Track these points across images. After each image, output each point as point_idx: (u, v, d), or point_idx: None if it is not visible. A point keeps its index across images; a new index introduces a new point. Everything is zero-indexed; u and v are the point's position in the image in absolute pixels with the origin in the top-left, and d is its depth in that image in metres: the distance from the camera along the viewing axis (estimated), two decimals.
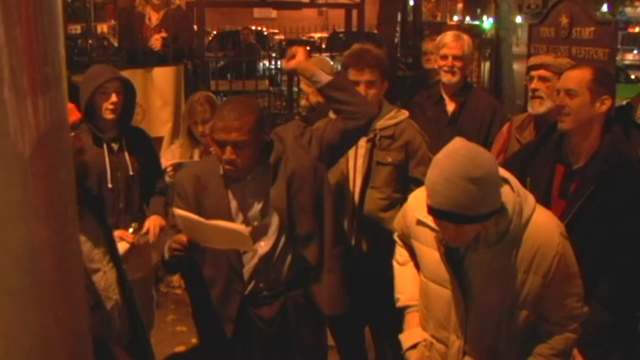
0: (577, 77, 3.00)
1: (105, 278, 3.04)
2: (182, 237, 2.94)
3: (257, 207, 3.13)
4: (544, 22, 5.24)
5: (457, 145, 2.33)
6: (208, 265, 3.18)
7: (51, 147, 1.01)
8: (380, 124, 3.62)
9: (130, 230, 3.82)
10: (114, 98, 3.77)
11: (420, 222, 2.63)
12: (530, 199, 2.48)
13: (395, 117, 3.68)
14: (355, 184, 3.66)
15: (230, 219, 3.05)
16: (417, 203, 2.67)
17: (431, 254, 2.60)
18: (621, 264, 2.88)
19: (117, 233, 3.52)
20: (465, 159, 2.24)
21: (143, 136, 4.15)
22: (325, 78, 3.14)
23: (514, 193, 2.42)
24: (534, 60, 3.79)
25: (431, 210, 2.34)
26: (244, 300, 3.19)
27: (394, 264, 3.00)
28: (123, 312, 3.05)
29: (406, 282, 2.88)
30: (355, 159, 3.66)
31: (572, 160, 3.05)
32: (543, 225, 2.46)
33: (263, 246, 3.14)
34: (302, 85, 4.93)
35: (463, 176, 2.21)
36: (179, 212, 2.89)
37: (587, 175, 2.96)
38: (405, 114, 3.72)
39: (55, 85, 0.97)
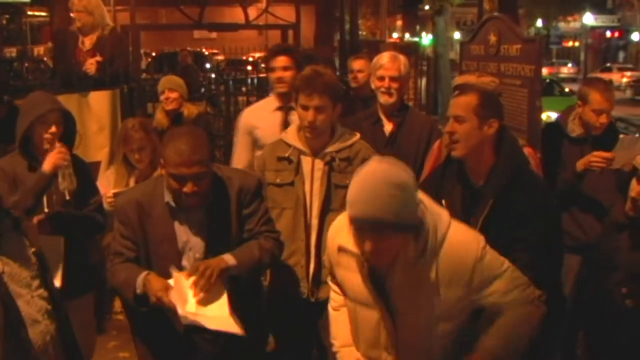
0: (464, 103, 3.04)
1: (33, 303, 2.94)
2: (169, 302, 2.91)
3: (201, 238, 3.13)
4: (474, 40, 5.37)
5: (376, 160, 2.52)
6: None
7: None
8: (335, 147, 3.62)
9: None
10: (53, 129, 3.75)
11: (341, 249, 2.65)
12: (444, 217, 2.59)
13: (348, 139, 3.68)
14: (313, 207, 3.65)
15: (176, 249, 3.05)
16: (336, 231, 2.74)
17: (355, 278, 2.63)
18: (521, 262, 2.85)
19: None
20: (386, 167, 2.41)
21: (78, 161, 4.10)
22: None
23: (427, 212, 2.52)
24: (458, 80, 3.93)
25: (353, 221, 2.41)
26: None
27: (329, 309, 2.99)
28: (57, 339, 2.96)
29: (340, 327, 2.87)
30: (312, 182, 3.63)
31: (473, 181, 3.10)
32: (458, 240, 2.54)
33: None
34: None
35: (385, 181, 2.35)
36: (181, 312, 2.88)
37: (487, 191, 3.02)
38: (357, 135, 3.74)
39: None
